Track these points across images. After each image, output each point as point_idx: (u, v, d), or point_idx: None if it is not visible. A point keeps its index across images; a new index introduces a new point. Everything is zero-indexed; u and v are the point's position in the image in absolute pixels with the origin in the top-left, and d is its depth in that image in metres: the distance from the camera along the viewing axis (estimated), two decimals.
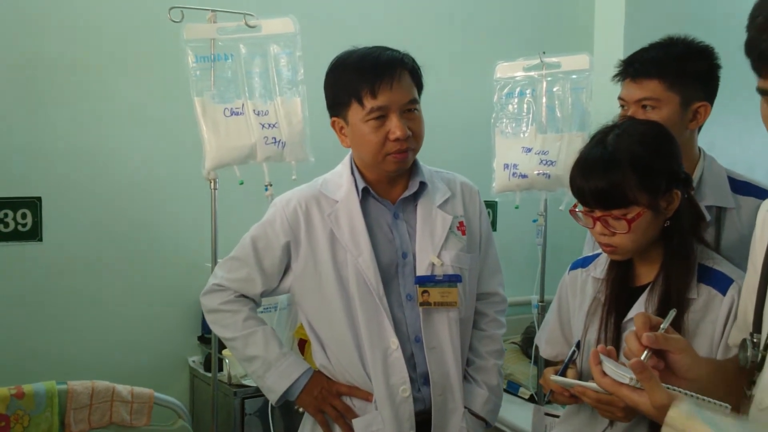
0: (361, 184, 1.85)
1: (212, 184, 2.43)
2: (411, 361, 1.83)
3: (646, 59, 1.83)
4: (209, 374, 2.60)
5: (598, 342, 1.61)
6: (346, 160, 1.91)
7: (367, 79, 1.73)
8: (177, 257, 2.94)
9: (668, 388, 1.11)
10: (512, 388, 3.00)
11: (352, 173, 1.87)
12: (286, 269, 1.90)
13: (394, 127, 1.73)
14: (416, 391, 1.83)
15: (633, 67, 1.84)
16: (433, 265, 1.83)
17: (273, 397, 1.90)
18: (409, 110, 1.77)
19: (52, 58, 2.71)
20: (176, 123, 2.82)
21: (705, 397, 1.12)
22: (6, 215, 2.67)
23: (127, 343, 2.88)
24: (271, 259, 1.88)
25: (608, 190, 1.49)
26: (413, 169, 1.89)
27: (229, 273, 1.93)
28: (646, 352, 1.16)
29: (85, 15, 2.76)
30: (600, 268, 1.70)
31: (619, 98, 1.88)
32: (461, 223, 1.90)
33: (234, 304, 1.91)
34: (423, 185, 1.88)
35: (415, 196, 1.88)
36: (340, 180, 1.89)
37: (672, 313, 1.23)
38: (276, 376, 1.88)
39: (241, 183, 2.39)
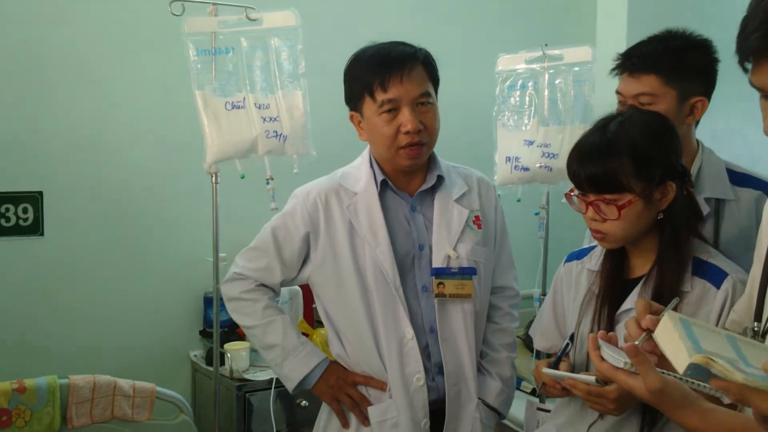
0: (380, 177, 1.88)
1: (213, 177, 2.42)
2: (426, 351, 1.87)
3: (644, 53, 1.82)
4: (211, 368, 2.60)
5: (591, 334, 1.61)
6: (365, 152, 1.95)
7: (378, 73, 1.77)
8: (178, 251, 2.94)
9: (663, 372, 1.11)
10: (515, 382, 3.00)
11: (371, 166, 1.90)
12: (305, 259, 1.94)
13: (405, 120, 1.77)
14: (430, 380, 1.87)
15: (630, 62, 1.83)
16: (449, 257, 1.86)
17: (290, 385, 1.94)
18: (422, 103, 1.80)
19: (52, 52, 2.71)
20: (177, 117, 2.82)
21: (701, 383, 1.12)
22: (7, 210, 2.67)
23: (129, 337, 2.88)
24: (290, 250, 1.92)
25: (602, 175, 1.50)
26: (431, 162, 1.93)
27: (250, 262, 1.97)
28: (643, 335, 1.17)
29: (85, 9, 2.75)
30: (595, 260, 1.70)
31: (617, 92, 1.88)
32: (477, 217, 1.94)
33: (254, 293, 1.96)
34: (440, 179, 1.92)
35: (433, 190, 1.92)
36: (359, 173, 1.93)
37: (675, 301, 1.23)
38: (293, 365, 1.92)
39: (242, 177, 2.38)
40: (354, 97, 1.85)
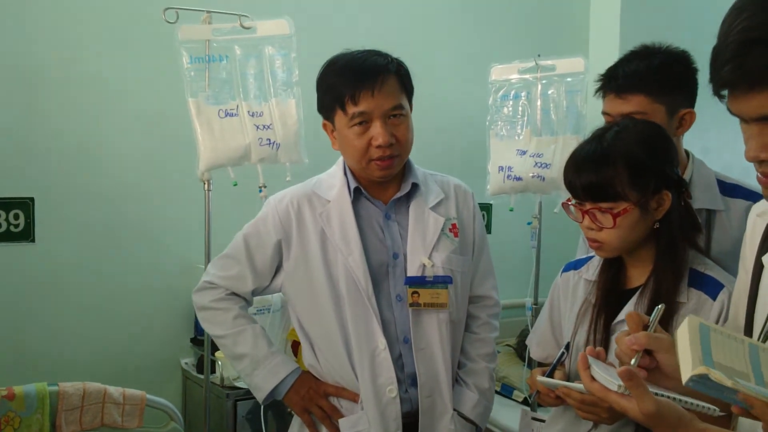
0: (353, 184, 1.86)
1: (206, 185, 2.42)
2: (399, 362, 1.83)
3: (629, 73, 1.81)
4: (202, 376, 2.59)
5: (587, 344, 1.61)
6: (340, 160, 1.92)
7: (349, 86, 1.74)
8: (170, 258, 2.93)
9: (657, 394, 1.11)
10: (506, 391, 3.00)
11: (345, 173, 1.88)
12: (278, 268, 1.91)
13: (377, 133, 1.74)
14: (403, 392, 1.83)
15: (616, 83, 1.83)
16: (424, 266, 1.83)
17: (260, 396, 1.91)
18: (394, 116, 1.77)
19: (45, 58, 2.70)
20: (170, 124, 2.82)
21: (694, 401, 1.12)
22: None
23: (120, 344, 2.87)
24: (262, 257, 1.89)
25: (598, 184, 1.51)
26: (406, 170, 1.90)
27: (221, 271, 1.93)
28: (636, 357, 1.16)
29: (79, 15, 2.75)
30: (592, 270, 1.70)
31: (604, 113, 1.87)
32: (454, 225, 1.91)
33: (224, 302, 1.92)
34: (415, 186, 1.89)
35: (408, 198, 1.89)
36: (333, 180, 1.90)
37: (659, 309, 1.22)
38: (263, 375, 1.88)
39: (235, 184, 2.38)
40: (326, 108, 1.83)
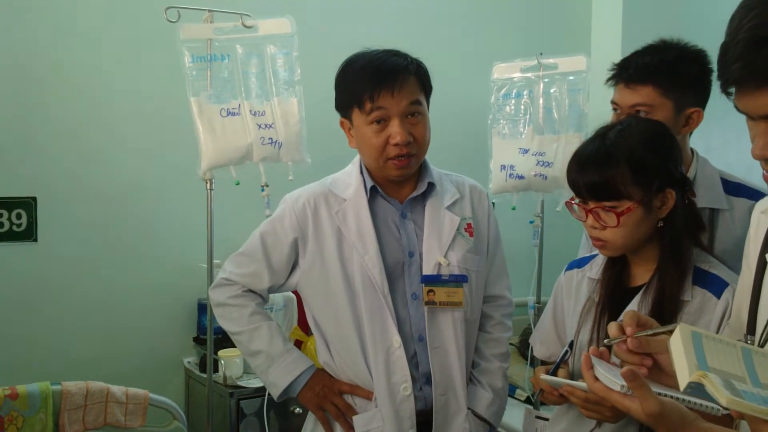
0: (370, 183, 1.87)
1: (208, 184, 2.43)
2: (413, 360, 1.84)
3: (641, 65, 1.81)
4: (204, 375, 2.60)
5: (590, 342, 1.61)
6: (356, 159, 1.93)
7: (368, 86, 1.75)
8: (173, 258, 2.94)
9: (660, 393, 1.11)
10: (509, 390, 3.00)
11: (361, 172, 1.89)
12: (294, 265, 1.92)
13: (395, 132, 1.75)
14: (417, 390, 1.84)
15: (627, 72, 1.83)
16: (440, 264, 1.84)
17: (275, 392, 1.91)
18: (412, 114, 1.78)
19: (47, 57, 2.70)
20: (172, 123, 2.82)
21: (697, 400, 1.12)
22: (1, 215, 2.66)
23: (122, 343, 2.87)
24: (279, 255, 1.90)
25: (601, 183, 1.51)
26: (422, 170, 1.91)
27: (238, 268, 1.95)
28: (618, 337, 1.19)
29: (81, 14, 2.75)
30: (596, 268, 1.70)
31: (612, 102, 1.88)
32: (469, 225, 1.92)
33: (241, 298, 1.93)
34: (431, 186, 1.90)
35: (424, 197, 1.90)
36: (349, 179, 1.91)
37: (670, 326, 1.22)
38: (279, 372, 1.89)
39: (237, 183, 2.38)
40: (344, 106, 1.84)
